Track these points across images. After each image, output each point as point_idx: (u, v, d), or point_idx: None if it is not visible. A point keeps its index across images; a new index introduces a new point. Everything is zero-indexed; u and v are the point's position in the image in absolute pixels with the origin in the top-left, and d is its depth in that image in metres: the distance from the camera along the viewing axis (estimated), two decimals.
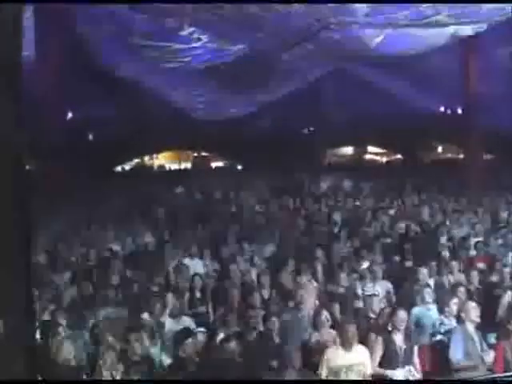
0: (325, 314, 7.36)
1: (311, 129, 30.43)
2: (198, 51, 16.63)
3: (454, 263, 9.59)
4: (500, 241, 11.36)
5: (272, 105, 22.70)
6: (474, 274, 9.12)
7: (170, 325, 7.58)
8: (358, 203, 16.29)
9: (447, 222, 13.26)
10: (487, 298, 8.44)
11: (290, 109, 26.00)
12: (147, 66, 17.87)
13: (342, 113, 27.49)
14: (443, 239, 11.74)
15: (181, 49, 16.44)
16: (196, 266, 10.07)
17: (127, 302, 8.19)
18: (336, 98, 26.18)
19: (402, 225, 12.74)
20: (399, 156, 36.64)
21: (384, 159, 37.54)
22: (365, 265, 9.86)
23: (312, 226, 12.96)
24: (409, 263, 10.32)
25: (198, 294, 8.72)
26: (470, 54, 18.07)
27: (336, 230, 12.78)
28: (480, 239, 11.42)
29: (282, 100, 21.92)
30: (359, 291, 8.95)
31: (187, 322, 7.65)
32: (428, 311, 8.05)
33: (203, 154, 36.09)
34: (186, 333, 6.84)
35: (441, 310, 7.95)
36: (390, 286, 9.12)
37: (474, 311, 7.15)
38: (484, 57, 18.02)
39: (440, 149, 35.96)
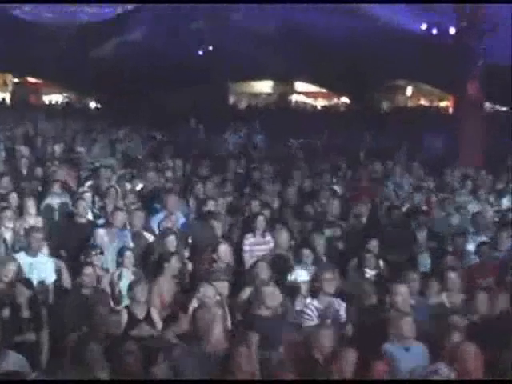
0: None
1: (209, 49, 30.28)
2: None
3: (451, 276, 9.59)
4: None
5: (150, 9, 22.38)
6: (480, 297, 9.02)
7: None
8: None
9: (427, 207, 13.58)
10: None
11: (178, 13, 25.71)
12: None
13: (256, 25, 27.58)
14: (422, 235, 11.84)
15: None
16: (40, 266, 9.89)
17: None
18: None
19: (359, 209, 12.81)
20: (344, 99, 37.22)
21: (320, 103, 38.07)
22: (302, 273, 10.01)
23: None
24: (370, 272, 10.35)
25: (25, 314, 8.68)
26: None
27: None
28: (484, 239, 11.50)
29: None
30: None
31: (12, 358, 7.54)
32: (406, 351, 7.99)
33: (32, 79, 35.87)
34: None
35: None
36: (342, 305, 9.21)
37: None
38: None
39: (410, 91, 36.79)
